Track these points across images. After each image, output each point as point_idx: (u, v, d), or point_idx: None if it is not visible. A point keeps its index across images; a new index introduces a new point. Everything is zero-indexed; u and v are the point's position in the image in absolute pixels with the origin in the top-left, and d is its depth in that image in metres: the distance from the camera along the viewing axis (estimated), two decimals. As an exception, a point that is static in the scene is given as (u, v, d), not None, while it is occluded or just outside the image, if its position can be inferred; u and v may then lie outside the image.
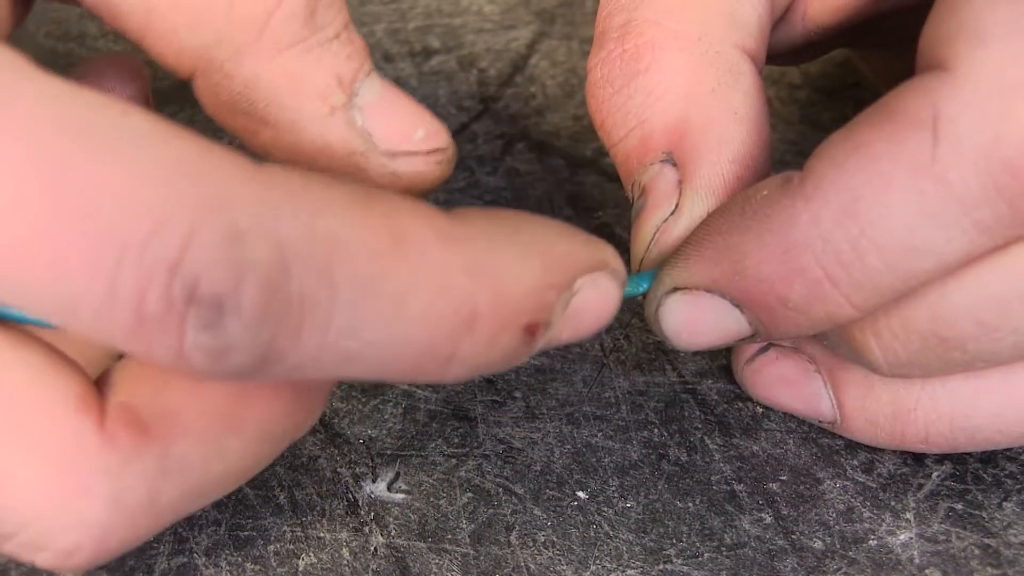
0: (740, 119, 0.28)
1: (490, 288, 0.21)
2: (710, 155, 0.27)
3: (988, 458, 0.30)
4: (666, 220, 0.27)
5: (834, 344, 0.27)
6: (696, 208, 0.27)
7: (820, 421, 0.30)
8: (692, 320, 0.26)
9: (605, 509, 0.29)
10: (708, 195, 0.27)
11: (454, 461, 0.31)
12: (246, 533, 0.29)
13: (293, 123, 0.25)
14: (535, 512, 0.29)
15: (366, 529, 0.29)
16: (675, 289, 0.26)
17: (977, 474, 0.30)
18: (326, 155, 0.25)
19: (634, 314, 0.34)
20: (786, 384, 0.30)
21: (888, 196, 0.23)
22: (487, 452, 0.31)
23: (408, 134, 0.26)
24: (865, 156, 0.23)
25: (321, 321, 0.19)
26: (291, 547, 0.29)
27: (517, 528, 0.29)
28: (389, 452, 0.31)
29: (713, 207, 0.27)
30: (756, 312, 0.25)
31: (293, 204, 0.19)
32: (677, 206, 0.27)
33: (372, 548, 0.29)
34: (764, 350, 0.30)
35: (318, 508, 0.29)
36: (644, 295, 0.28)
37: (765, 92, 0.29)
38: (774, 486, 0.30)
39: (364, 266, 0.19)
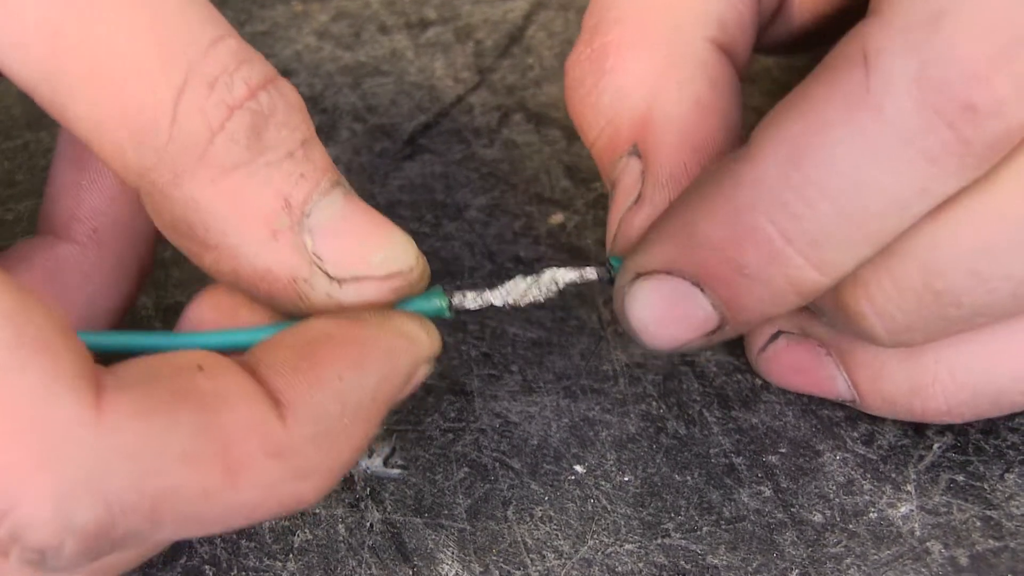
0: (705, 109, 0.28)
1: (317, 484, 0.22)
2: (671, 144, 0.28)
3: (990, 428, 0.30)
4: (629, 208, 0.28)
5: (832, 319, 0.27)
6: (657, 196, 0.27)
7: (842, 400, 0.30)
8: (656, 307, 0.26)
9: (603, 483, 0.29)
10: (669, 183, 0.27)
11: (451, 435, 0.30)
12: (241, 510, 0.29)
13: (233, 248, 0.23)
14: (532, 487, 0.29)
15: (362, 505, 0.29)
16: (638, 276, 0.26)
17: (979, 445, 0.30)
18: (267, 282, 0.23)
19: (632, 286, 0.34)
20: (800, 371, 0.30)
21: (828, 137, 0.23)
22: (484, 426, 0.30)
23: (364, 257, 0.24)
24: (802, 105, 0.23)
25: (144, 539, 0.21)
26: (286, 524, 0.28)
27: (514, 503, 0.29)
28: (385, 427, 0.30)
29: (676, 195, 0.27)
30: (715, 288, 0.25)
31: (127, 458, 0.19)
32: (640, 195, 0.28)
33: (368, 524, 0.28)
34: (773, 338, 0.30)
35: (314, 484, 0.29)
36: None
37: (738, 81, 0.29)
38: (773, 459, 0.30)
39: (192, 506, 0.20)
